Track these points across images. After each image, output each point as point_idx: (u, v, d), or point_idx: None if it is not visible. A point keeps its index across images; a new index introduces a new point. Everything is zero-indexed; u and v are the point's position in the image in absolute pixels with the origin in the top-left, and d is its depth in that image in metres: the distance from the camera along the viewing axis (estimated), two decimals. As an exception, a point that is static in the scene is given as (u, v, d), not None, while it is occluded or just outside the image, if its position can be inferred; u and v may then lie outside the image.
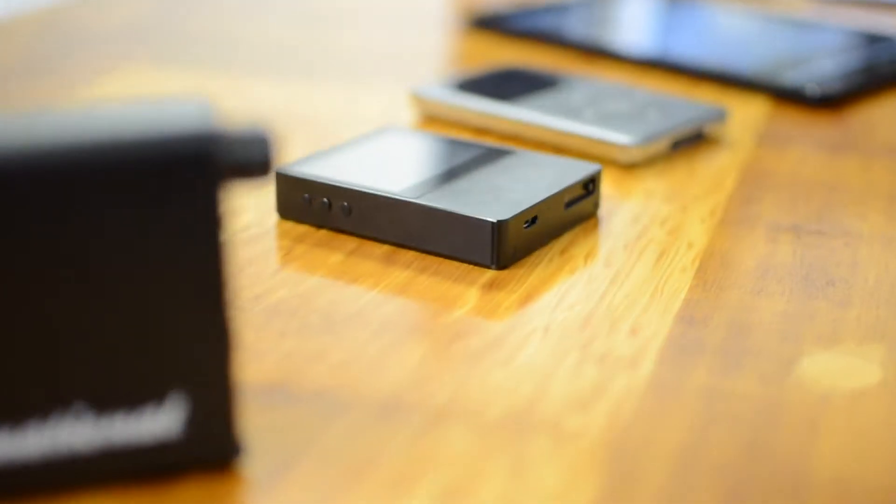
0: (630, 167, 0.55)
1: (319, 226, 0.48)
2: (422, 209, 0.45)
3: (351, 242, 0.47)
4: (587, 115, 0.56)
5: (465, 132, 0.59)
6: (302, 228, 0.48)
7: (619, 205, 0.51)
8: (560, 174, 0.48)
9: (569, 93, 0.60)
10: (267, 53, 0.72)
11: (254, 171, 0.32)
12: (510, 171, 0.48)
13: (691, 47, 0.71)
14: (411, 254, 0.46)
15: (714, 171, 0.55)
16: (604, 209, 0.50)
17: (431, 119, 0.61)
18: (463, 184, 0.47)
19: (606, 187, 0.52)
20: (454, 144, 0.51)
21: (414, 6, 0.86)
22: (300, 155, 0.56)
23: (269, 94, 0.65)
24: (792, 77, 0.65)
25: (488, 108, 0.58)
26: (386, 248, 0.46)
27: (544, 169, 0.49)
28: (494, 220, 0.44)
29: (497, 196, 0.46)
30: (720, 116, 0.58)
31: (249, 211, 0.50)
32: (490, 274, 0.44)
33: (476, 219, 0.44)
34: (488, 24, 0.76)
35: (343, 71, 0.69)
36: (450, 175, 0.48)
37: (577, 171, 0.49)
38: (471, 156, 0.50)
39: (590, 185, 0.49)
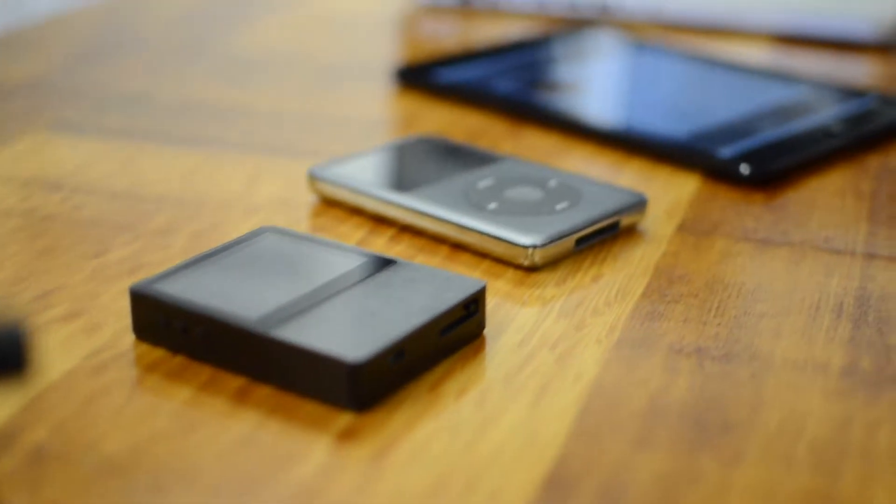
0: (532, 268, 0.50)
1: (176, 351, 0.44)
2: (275, 343, 0.41)
3: (206, 373, 0.43)
4: (491, 207, 0.52)
5: (363, 222, 0.55)
6: (159, 352, 0.44)
7: (512, 319, 0.46)
8: (438, 294, 0.44)
9: (479, 175, 0.55)
10: (179, 116, 0.68)
11: (4, 376, 0.28)
12: (384, 290, 0.44)
13: (630, 109, 0.67)
14: (268, 389, 0.42)
15: (624, 273, 0.50)
16: (494, 324, 0.46)
17: (331, 203, 0.56)
18: (328, 309, 0.43)
19: (502, 294, 0.48)
20: (331, 252, 0.47)
21: (354, 56, 0.81)
22: (180, 255, 0.51)
23: (166, 168, 0.61)
24: (728, 150, 0.60)
25: (387, 195, 0.53)
26: (243, 381, 0.42)
27: (422, 287, 0.44)
28: (351, 361, 0.40)
29: (361, 326, 0.41)
30: (639, 205, 0.53)
31: (106, 328, 0.46)
32: (346, 419, 0.40)
33: (331, 357, 0.40)
34: (412, 80, 0.72)
35: (254, 138, 0.65)
36: (316, 297, 0.43)
37: (458, 289, 0.44)
38: (346, 269, 0.46)
39: (472, 306, 0.44)
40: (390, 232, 0.54)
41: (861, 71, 0.79)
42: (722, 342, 0.45)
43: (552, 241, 0.50)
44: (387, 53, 0.80)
